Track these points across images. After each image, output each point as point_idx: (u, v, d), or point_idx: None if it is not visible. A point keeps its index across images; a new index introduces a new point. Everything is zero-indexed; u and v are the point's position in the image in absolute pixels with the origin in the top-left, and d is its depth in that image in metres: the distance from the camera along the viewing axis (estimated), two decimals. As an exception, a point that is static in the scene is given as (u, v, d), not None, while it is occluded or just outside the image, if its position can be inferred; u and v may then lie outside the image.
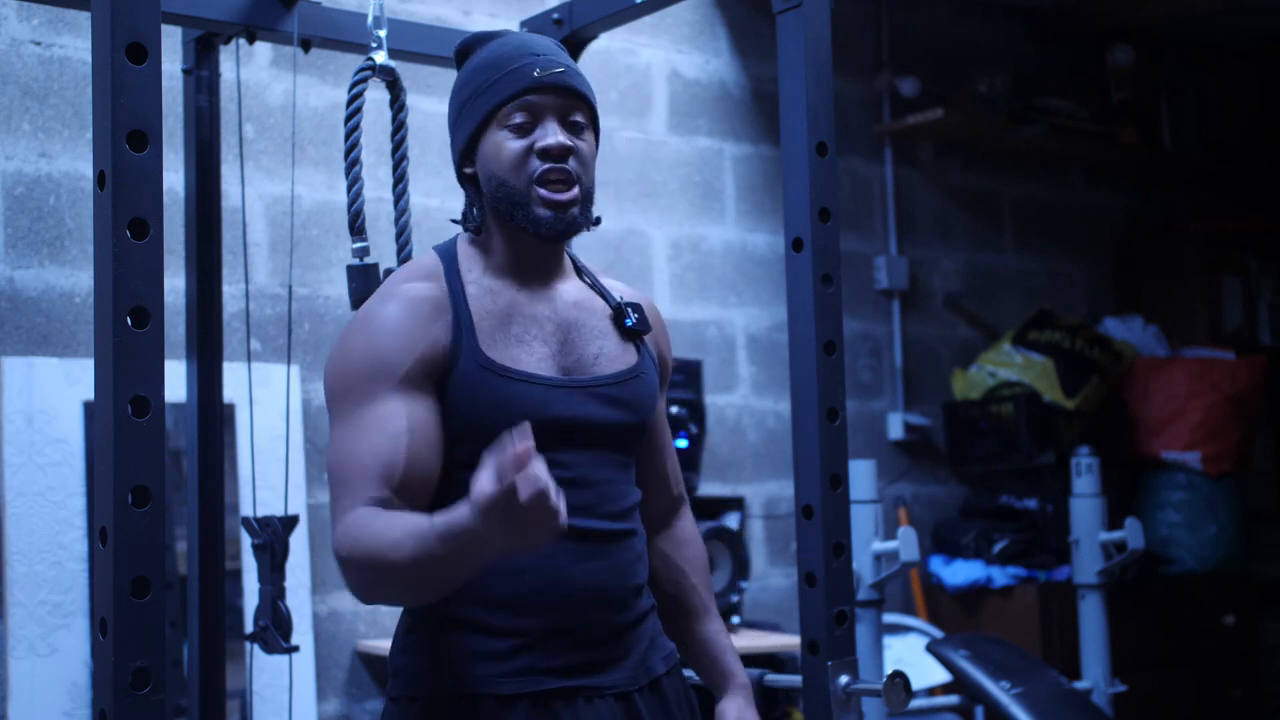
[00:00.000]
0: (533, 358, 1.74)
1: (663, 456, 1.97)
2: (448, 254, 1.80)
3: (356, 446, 1.64)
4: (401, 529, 1.55)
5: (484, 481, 1.41)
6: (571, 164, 1.74)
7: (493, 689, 1.69)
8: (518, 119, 1.73)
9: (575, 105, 1.77)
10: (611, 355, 1.81)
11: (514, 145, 1.73)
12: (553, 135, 1.73)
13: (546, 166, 1.73)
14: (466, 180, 1.81)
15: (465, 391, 1.69)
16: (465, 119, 1.78)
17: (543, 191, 1.72)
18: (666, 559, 1.97)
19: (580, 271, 1.89)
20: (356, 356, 1.68)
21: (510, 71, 1.74)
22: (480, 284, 1.77)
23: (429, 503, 1.66)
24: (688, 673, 1.96)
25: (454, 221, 1.85)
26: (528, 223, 1.74)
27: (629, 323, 1.84)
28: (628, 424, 1.80)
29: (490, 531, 1.43)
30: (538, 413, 1.69)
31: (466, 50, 1.84)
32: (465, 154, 1.79)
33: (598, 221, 1.82)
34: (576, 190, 1.74)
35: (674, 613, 1.94)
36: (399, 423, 1.64)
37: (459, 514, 1.47)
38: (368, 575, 1.60)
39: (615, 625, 1.76)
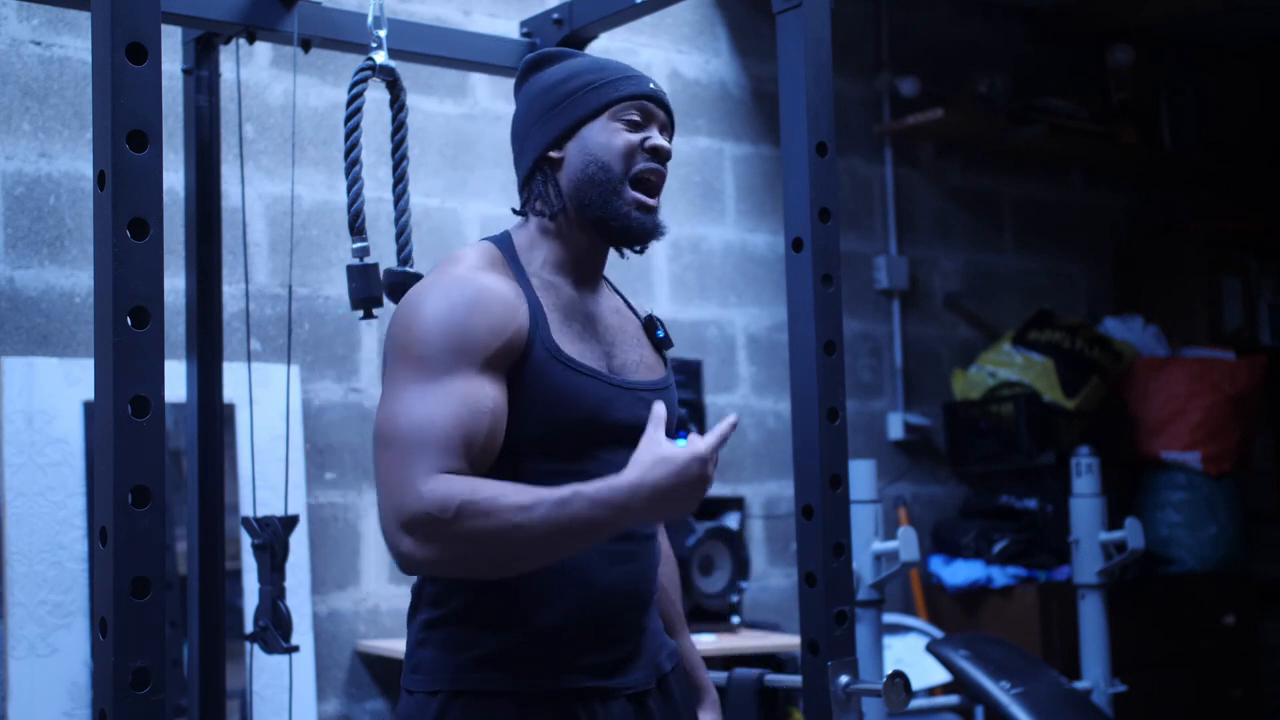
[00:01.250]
0: (593, 355, 1.77)
1: None
2: (505, 246, 1.81)
3: (437, 411, 1.60)
4: (529, 495, 1.56)
5: (689, 446, 1.56)
6: (665, 169, 1.84)
7: (513, 686, 1.70)
8: (633, 116, 1.81)
9: (668, 128, 1.87)
10: (650, 364, 1.87)
11: (629, 136, 1.80)
12: (661, 139, 1.83)
13: (650, 165, 1.81)
14: (546, 164, 1.82)
15: (538, 380, 1.70)
16: (570, 107, 1.81)
17: (638, 194, 1.80)
18: None
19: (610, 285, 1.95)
20: (442, 325, 1.65)
21: (627, 77, 1.83)
22: (540, 277, 1.80)
23: None
24: (716, 674, 2.00)
25: (518, 212, 1.86)
26: (615, 216, 1.79)
27: (660, 334, 1.91)
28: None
29: (658, 496, 1.55)
30: (601, 410, 1.74)
31: (544, 60, 1.88)
32: (559, 140, 1.81)
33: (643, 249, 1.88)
34: (657, 201, 1.83)
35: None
36: (484, 401, 1.63)
37: (620, 482, 1.56)
38: (479, 537, 1.55)
39: (635, 627, 1.79)
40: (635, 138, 1.80)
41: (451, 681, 1.72)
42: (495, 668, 1.71)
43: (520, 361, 1.70)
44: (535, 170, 1.83)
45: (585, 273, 1.84)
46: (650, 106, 1.83)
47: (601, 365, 1.78)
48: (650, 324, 1.92)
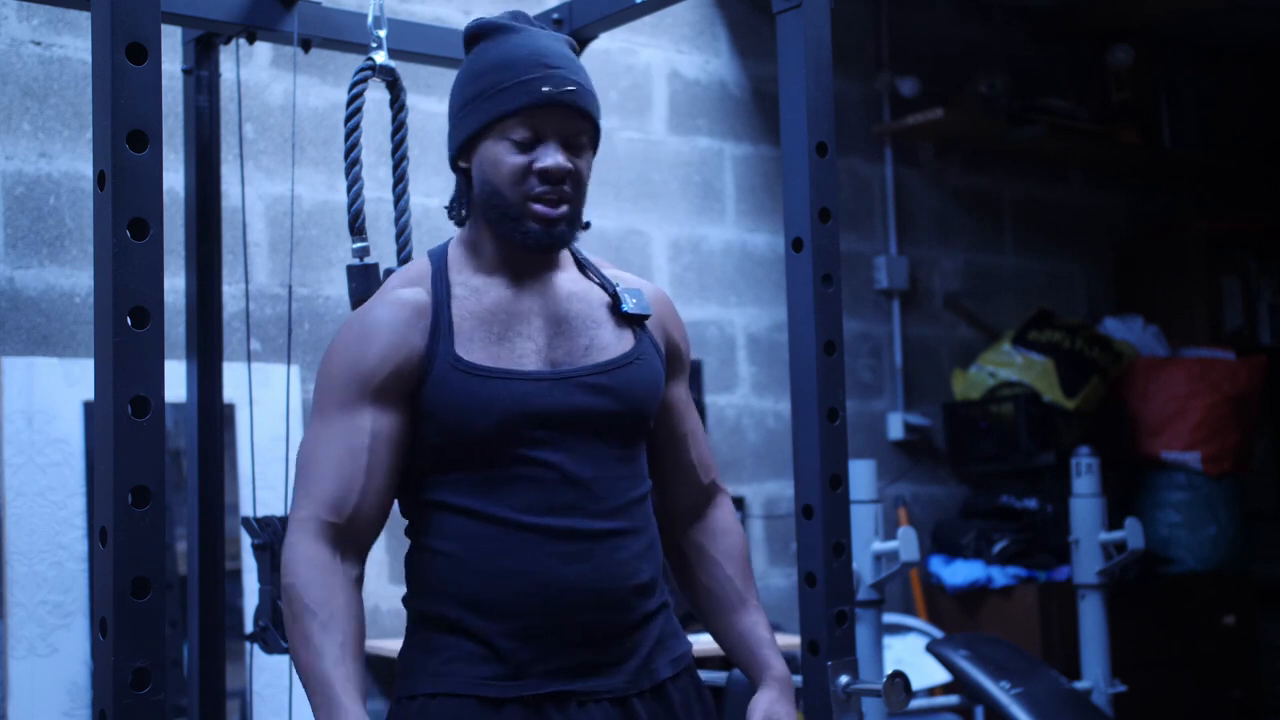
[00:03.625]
0: (514, 354, 1.74)
1: (686, 445, 1.92)
2: (439, 257, 1.81)
3: (325, 452, 1.71)
4: (330, 640, 1.63)
5: None
6: (566, 186, 1.74)
7: (484, 691, 1.69)
8: (521, 134, 1.72)
9: (580, 126, 1.75)
10: (604, 344, 1.79)
11: (514, 160, 1.72)
12: (553, 157, 1.72)
13: (543, 188, 1.72)
14: (459, 171, 1.81)
15: (441, 394, 1.71)
16: (468, 116, 1.76)
17: (537, 207, 1.72)
18: (701, 551, 1.92)
19: (582, 265, 1.87)
20: (338, 359, 1.74)
21: (521, 82, 1.71)
22: (468, 285, 1.77)
23: (383, 518, 1.74)
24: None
25: (445, 208, 1.85)
26: (515, 234, 1.74)
27: (625, 307, 1.81)
28: (617, 412, 1.77)
29: None
30: (518, 407, 1.70)
31: (477, 35, 1.80)
32: (462, 149, 1.78)
33: (586, 226, 1.81)
34: (566, 209, 1.74)
35: (711, 606, 1.91)
36: (362, 439, 1.71)
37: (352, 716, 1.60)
38: (286, 612, 1.68)
39: (612, 627, 1.74)
40: (522, 161, 1.71)
41: (424, 685, 1.72)
42: (466, 672, 1.70)
43: (420, 383, 1.72)
44: (454, 172, 1.81)
45: (525, 267, 1.79)
46: (541, 117, 1.71)
47: (530, 361, 1.74)
48: (617, 298, 1.82)
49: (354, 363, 1.72)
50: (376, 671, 3.42)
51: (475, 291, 1.77)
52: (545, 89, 1.71)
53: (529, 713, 1.69)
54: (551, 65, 1.73)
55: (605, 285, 1.85)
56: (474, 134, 1.75)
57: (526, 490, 1.71)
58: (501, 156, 1.72)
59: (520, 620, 1.70)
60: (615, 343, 1.80)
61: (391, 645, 3.31)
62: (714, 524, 1.95)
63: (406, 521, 1.82)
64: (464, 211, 1.81)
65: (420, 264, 1.81)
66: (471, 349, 1.72)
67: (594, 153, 1.80)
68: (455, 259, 1.80)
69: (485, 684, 1.70)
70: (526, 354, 1.74)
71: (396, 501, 1.82)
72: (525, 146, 1.72)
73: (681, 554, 1.94)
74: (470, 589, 1.71)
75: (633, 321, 1.83)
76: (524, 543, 1.70)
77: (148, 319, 1.50)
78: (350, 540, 1.70)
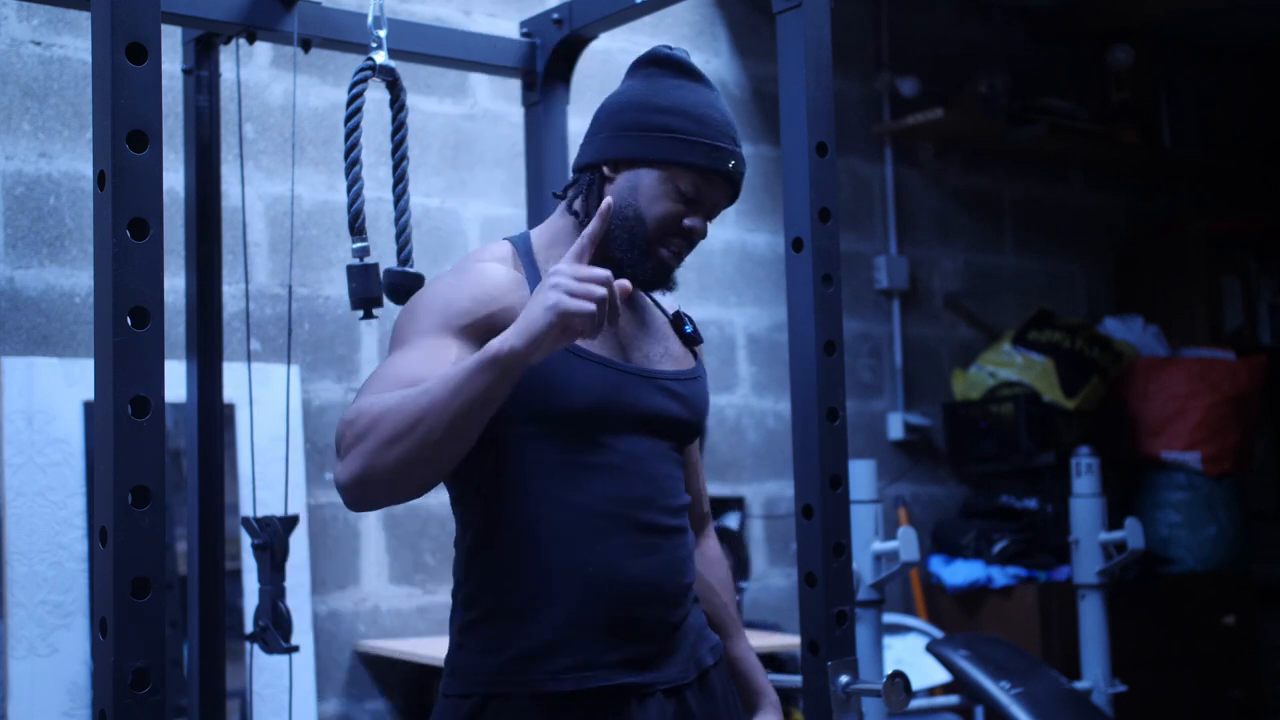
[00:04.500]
0: (605, 345, 1.78)
1: (696, 472, 2.02)
2: (523, 242, 1.84)
3: (398, 364, 1.65)
4: (420, 386, 1.57)
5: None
6: (695, 244, 1.84)
7: (545, 686, 1.70)
8: (689, 189, 1.79)
9: (725, 205, 1.85)
10: (676, 355, 1.88)
11: (672, 207, 1.79)
12: (703, 222, 1.82)
13: (680, 242, 1.81)
14: (598, 172, 1.83)
15: (541, 368, 1.70)
16: (643, 141, 1.80)
17: (664, 253, 1.80)
18: (699, 576, 2.01)
19: None
20: (430, 299, 1.72)
21: (715, 146, 1.79)
22: None
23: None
24: None
25: (557, 196, 1.89)
26: (631, 262, 1.79)
27: (688, 329, 1.93)
28: (688, 420, 1.85)
29: (524, 319, 1.52)
30: (614, 396, 1.75)
31: (661, 63, 1.86)
32: (618, 163, 1.81)
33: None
34: (679, 263, 1.83)
35: None
36: (448, 355, 1.66)
37: (498, 340, 1.54)
38: (377, 432, 1.57)
39: (668, 621, 1.78)
40: (676, 211, 1.79)
41: (483, 685, 1.73)
42: (526, 670, 1.71)
43: None
44: (587, 170, 1.84)
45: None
46: (716, 187, 1.81)
47: (616, 355, 1.79)
48: (678, 319, 1.93)
49: (447, 300, 1.71)
50: (375, 671, 3.42)
51: None
52: (730, 165, 1.81)
53: (588, 712, 1.71)
54: (737, 144, 1.83)
55: (662, 307, 1.96)
56: (645, 160, 1.79)
57: (607, 479, 1.74)
58: (662, 196, 1.79)
59: (588, 611, 1.71)
60: (683, 356, 1.90)
61: (393, 645, 3.31)
62: (709, 552, 2.06)
63: (461, 511, 1.81)
64: (592, 209, 1.82)
65: (501, 247, 1.83)
66: None
67: None
68: (541, 246, 1.84)
69: (544, 680, 1.70)
70: (613, 348, 1.80)
71: (446, 494, 1.82)
72: (685, 201, 1.80)
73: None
74: (540, 577, 1.72)
75: (690, 342, 1.93)
76: (599, 533, 1.73)
77: (148, 319, 1.50)
78: None
